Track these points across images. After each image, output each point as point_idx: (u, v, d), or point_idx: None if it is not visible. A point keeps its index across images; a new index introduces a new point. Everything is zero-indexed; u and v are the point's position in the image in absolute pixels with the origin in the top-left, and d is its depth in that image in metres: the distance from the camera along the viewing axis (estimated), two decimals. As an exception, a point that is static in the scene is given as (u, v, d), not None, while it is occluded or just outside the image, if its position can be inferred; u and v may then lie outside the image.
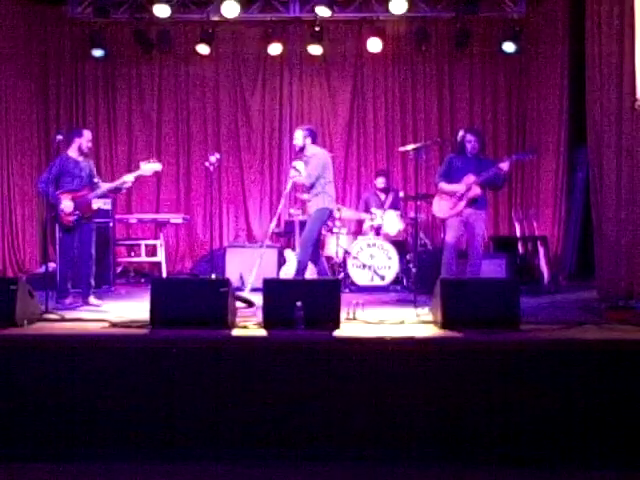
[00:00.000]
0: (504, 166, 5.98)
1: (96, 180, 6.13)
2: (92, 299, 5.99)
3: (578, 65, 7.60)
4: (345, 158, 9.53)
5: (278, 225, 8.04)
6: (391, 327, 4.69)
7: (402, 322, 4.87)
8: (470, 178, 6.02)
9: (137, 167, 6.21)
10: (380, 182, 8.51)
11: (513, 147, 9.27)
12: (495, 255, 7.60)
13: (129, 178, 6.00)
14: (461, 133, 6.32)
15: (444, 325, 4.52)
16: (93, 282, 6.09)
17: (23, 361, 4.19)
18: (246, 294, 5.77)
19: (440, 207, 6.26)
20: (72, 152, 6.03)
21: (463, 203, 6.05)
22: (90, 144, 6.13)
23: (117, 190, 6.27)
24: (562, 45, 8.66)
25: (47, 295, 5.31)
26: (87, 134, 6.11)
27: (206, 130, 9.59)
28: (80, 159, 6.04)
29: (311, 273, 6.54)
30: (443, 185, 6.21)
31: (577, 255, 8.62)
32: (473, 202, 6.05)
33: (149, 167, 6.05)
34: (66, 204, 5.88)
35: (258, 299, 4.87)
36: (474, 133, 6.32)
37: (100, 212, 7.82)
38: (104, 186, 6.12)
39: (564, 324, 4.71)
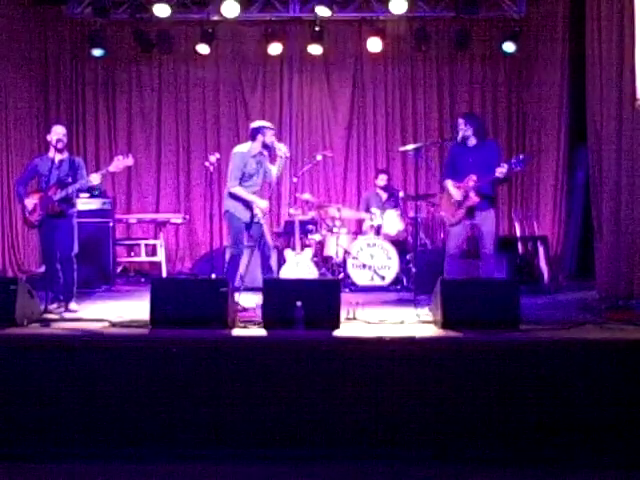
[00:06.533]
0: (501, 172, 5.58)
1: (84, 180, 5.65)
2: (72, 305, 5.65)
3: (578, 65, 7.60)
4: (345, 158, 9.54)
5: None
6: (391, 327, 4.69)
7: (402, 322, 4.87)
8: (470, 181, 5.74)
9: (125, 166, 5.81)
10: (382, 179, 8.51)
11: (513, 147, 9.28)
12: (495, 255, 7.59)
13: (94, 177, 5.60)
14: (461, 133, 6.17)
15: (444, 325, 4.53)
16: (75, 289, 5.73)
17: (23, 361, 4.19)
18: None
19: (445, 211, 6.04)
20: (50, 150, 5.76)
21: (462, 212, 5.81)
22: (63, 139, 5.72)
23: (89, 189, 5.94)
24: (562, 45, 8.65)
25: (47, 295, 5.31)
26: (56, 129, 5.76)
27: (206, 130, 9.59)
28: (56, 157, 5.70)
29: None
30: (447, 184, 5.95)
31: (577, 255, 8.63)
32: (470, 212, 5.78)
33: (120, 163, 5.63)
34: (27, 203, 5.70)
35: (258, 299, 4.87)
36: (462, 116, 6.06)
37: (100, 212, 7.91)
38: (74, 187, 5.65)
39: (564, 324, 4.72)
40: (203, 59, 9.27)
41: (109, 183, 9.30)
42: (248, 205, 5.91)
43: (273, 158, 6.16)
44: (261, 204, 5.94)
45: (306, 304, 4.42)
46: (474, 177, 5.76)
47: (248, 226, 5.95)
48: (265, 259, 5.97)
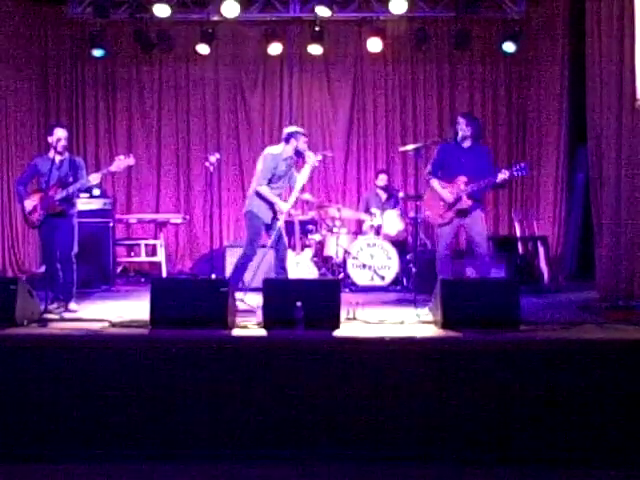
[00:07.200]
0: (501, 177, 5.58)
1: (84, 180, 5.67)
2: (72, 305, 5.66)
3: (578, 65, 7.61)
4: (345, 158, 9.54)
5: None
6: (391, 327, 4.69)
7: (402, 322, 4.87)
8: (460, 183, 5.70)
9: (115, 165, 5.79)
10: (382, 179, 8.52)
11: (513, 147, 9.29)
12: (495, 255, 7.60)
13: (94, 177, 5.64)
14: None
15: (444, 325, 4.53)
16: (74, 289, 5.75)
17: (23, 361, 4.19)
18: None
19: (431, 210, 5.93)
20: (50, 151, 5.78)
21: (451, 214, 5.77)
22: (63, 142, 5.75)
23: (89, 189, 5.96)
24: (562, 45, 8.65)
25: (47, 295, 5.31)
26: (57, 132, 5.77)
27: (206, 130, 9.59)
28: (57, 157, 5.74)
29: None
30: (433, 183, 5.89)
31: (577, 255, 8.63)
32: (462, 213, 5.74)
33: (121, 163, 5.67)
34: (27, 203, 5.72)
35: (258, 299, 4.86)
36: (464, 116, 6.01)
37: (100, 212, 7.91)
38: (75, 186, 5.67)
39: (564, 324, 4.72)
40: (203, 59, 9.27)
41: (109, 183, 9.30)
42: (271, 206, 5.94)
43: (300, 165, 6.18)
44: (283, 207, 5.96)
45: (306, 304, 4.42)
46: (464, 178, 5.73)
47: (268, 227, 5.97)
48: (280, 260, 5.98)
